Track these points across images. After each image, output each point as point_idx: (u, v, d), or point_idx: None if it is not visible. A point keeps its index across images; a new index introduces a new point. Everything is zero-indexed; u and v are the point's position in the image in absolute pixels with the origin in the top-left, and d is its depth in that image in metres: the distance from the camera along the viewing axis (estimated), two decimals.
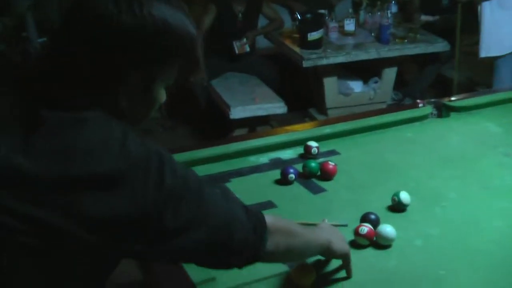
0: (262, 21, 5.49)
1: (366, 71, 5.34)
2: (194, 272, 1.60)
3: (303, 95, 5.58)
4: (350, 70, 5.38)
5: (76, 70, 1.14)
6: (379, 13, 5.28)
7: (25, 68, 1.18)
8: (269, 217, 1.40)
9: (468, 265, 1.75)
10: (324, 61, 4.86)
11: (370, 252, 1.82)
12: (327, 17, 5.26)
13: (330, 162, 2.30)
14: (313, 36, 4.88)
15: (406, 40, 5.12)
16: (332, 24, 5.25)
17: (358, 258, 1.76)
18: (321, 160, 2.38)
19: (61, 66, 1.15)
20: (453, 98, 2.95)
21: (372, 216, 1.91)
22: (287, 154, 2.49)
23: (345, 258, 1.66)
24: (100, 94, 1.16)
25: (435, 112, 2.80)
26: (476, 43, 5.06)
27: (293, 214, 1.97)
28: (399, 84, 5.69)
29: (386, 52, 5.01)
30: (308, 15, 5.00)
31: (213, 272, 1.60)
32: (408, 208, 2.04)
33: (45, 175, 1.04)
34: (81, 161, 1.06)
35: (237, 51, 5.25)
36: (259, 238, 1.33)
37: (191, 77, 5.16)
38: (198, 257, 1.29)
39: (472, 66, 5.49)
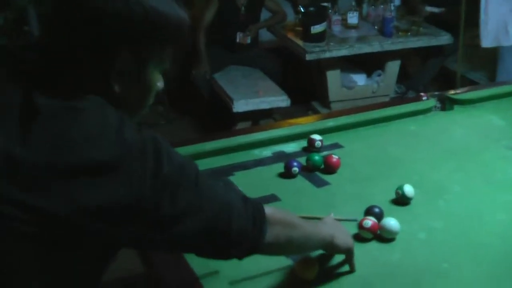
0: (265, 14, 5.48)
1: (369, 64, 5.33)
2: (197, 265, 1.61)
3: (306, 88, 5.57)
4: (353, 63, 5.36)
5: (67, 55, 1.15)
6: (382, 6, 5.26)
7: (21, 57, 1.18)
8: (269, 209, 1.40)
9: (472, 258, 1.75)
10: (327, 54, 4.85)
11: (374, 245, 1.82)
12: (330, 10, 5.25)
13: (333, 155, 2.29)
14: (316, 29, 4.87)
15: (409, 33, 5.10)
16: (335, 17, 5.24)
17: (362, 251, 1.76)
18: (324, 153, 2.37)
19: (53, 52, 1.15)
20: (456, 91, 2.95)
21: (376, 210, 1.91)
22: (291, 147, 2.49)
23: (348, 253, 1.66)
24: (94, 79, 1.16)
25: (438, 105, 2.80)
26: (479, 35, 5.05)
27: (297, 207, 1.96)
28: (403, 77, 5.68)
29: (389, 45, 5.00)
30: (311, 8, 4.99)
31: (216, 265, 1.61)
32: (412, 201, 2.04)
33: (42, 164, 1.05)
34: (78, 149, 1.06)
35: (238, 40, 5.24)
36: (259, 228, 1.33)
37: (194, 70, 5.17)
38: (196, 246, 1.29)
39: (475, 58, 5.47)
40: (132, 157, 1.10)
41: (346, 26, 5.28)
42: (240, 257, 1.37)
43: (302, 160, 2.32)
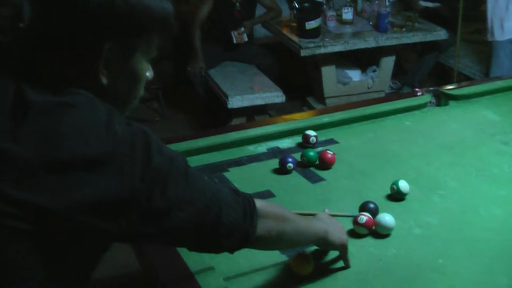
0: (259, 10, 5.47)
1: (364, 60, 5.33)
2: (192, 261, 1.60)
3: (301, 84, 5.57)
4: (348, 59, 5.37)
5: (53, 48, 1.15)
6: (377, 1, 5.26)
7: (10, 52, 1.18)
8: (260, 202, 1.40)
9: (467, 253, 1.75)
10: (322, 50, 4.85)
11: (369, 241, 1.82)
12: (324, 6, 5.25)
13: (328, 151, 2.29)
14: (311, 25, 4.87)
15: (404, 29, 5.10)
16: (330, 13, 5.23)
17: (357, 247, 1.76)
18: (319, 149, 2.37)
19: (39, 46, 1.16)
20: (451, 87, 2.95)
21: (371, 205, 1.91)
22: (285, 143, 2.49)
23: (342, 249, 1.66)
24: (82, 73, 1.17)
25: (433, 100, 2.80)
26: (475, 31, 5.07)
27: (292, 203, 1.96)
28: (398, 72, 5.69)
29: (384, 40, 5.00)
30: (306, 4, 4.97)
31: (211, 262, 1.60)
32: (407, 197, 2.04)
33: (34, 159, 1.04)
34: (68, 144, 1.06)
35: (235, 41, 5.23)
36: (249, 220, 1.33)
37: (189, 66, 5.16)
38: (187, 238, 1.29)
39: (470, 54, 5.47)
40: (123, 150, 1.10)
41: (341, 22, 5.28)
42: (231, 249, 1.37)
43: (297, 156, 2.32)
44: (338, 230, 1.65)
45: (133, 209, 1.12)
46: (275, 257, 1.71)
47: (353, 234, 1.83)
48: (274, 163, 2.29)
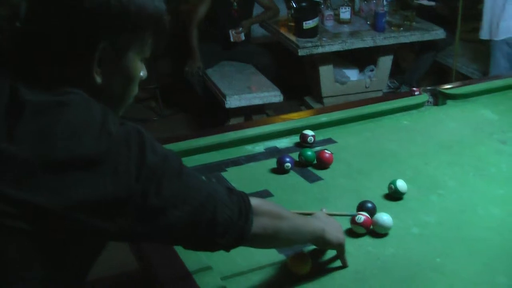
0: (257, 9, 5.47)
1: (362, 59, 5.34)
2: (190, 261, 1.60)
3: (299, 84, 5.57)
4: (346, 59, 5.37)
5: (47, 47, 1.15)
6: (374, 1, 5.26)
7: (7, 51, 1.18)
8: (256, 200, 1.40)
9: (465, 252, 1.75)
10: (320, 50, 4.85)
11: (367, 240, 1.82)
12: (322, 5, 5.25)
13: (326, 151, 2.29)
14: (308, 24, 4.87)
15: (402, 28, 5.11)
16: (328, 12, 5.24)
17: (355, 246, 1.76)
18: (317, 148, 2.37)
19: (33, 44, 1.16)
20: (449, 86, 2.95)
21: (369, 205, 1.91)
22: (283, 142, 2.49)
23: (339, 248, 1.66)
24: (75, 72, 1.17)
25: (431, 99, 2.79)
26: (473, 29, 5.06)
27: (290, 203, 1.96)
28: (396, 72, 5.69)
29: (382, 40, 5.00)
30: (304, 4, 4.97)
31: (209, 261, 1.60)
32: (405, 196, 2.04)
33: (29, 159, 1.05)
34: (63, 144, 1.07)
35: (232, 39, 5.23)
36: (244, 218, 1.33)
37: (187, 66, 5.16)
38: (182, 237, 1.29)
39: (467, 53, 5.48)
40: (118, 150, 1.11)
41: (339, 21, 5.29)
42: (227, 247, 1.37)
43: (295, 155, 2.31)
44: (335, 229, 1.65)
45: (129, 208, 1.12)
46: (273, 256, 1.70)
47: (351, 233, 1.83)
48: (272, 162, 2.29)
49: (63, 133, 1.07)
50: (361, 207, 1.91)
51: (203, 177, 1.33)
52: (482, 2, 4.68)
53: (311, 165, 2.28)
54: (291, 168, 2.24)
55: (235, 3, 5.22)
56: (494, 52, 4.66)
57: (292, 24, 5.09)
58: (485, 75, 4.81)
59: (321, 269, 1.68)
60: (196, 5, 5.27)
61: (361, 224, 1.82)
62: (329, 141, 2.49)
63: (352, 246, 1.73)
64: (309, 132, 2.44)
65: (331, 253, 1.71)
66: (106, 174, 1.08)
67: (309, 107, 5.25)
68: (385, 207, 1.95)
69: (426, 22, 5.27)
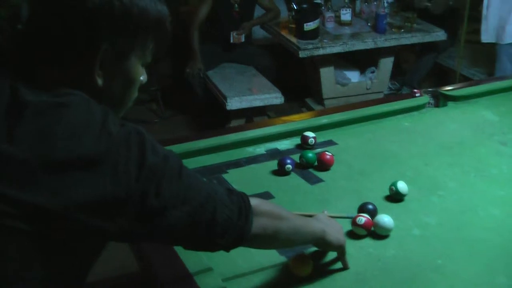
0: (258, 11, 5.47)
1: (363, 61, 5.33)
2: (191, 262, 1.60)
3: (300, 86, 5.57)
4: (347, 60, 5.37)
5: (49, 49, 1.16)
6: (375, 2, 5.25)
7: (9, 52, 1.19)
8: (256, 200, 1.40)
9: (466, 253, 1.75)
10: (321, 51, 4.85)
11: (368, 242, 1.82)
12: (323, 7, 5.25)
13: (327, 153, 2.29)
14: (309, 26, 4.87)
15: (402, 30, 5.10)
16: (328, 14, 5.23)
17: (356, 247, 1.76)
18: (318, 150, 2.37)
19: (34, 46, 1.16)
20: (450, 87, 2.95)
21: (370, 206, 1.91)
22: (284, 144, 2.49)
23: (340, 250, 1.66)
24: (77, 73, 1.18)
25: (432, 101, 2.80)
26: (473, 31, 5.06)
27: (291, 204, 1.96)
28: (397, 73, 5.68)
29: (383, 41, 5.00)
30: (305, 5, 4.97)
31: (209, 262, 1.60)
32: (406, 197, 2.04)
33: (29, 159, 1.05)
34: (63, 144, 1.07)
35: (232, 41, 5.23)
36: (244, 218, 1.33)
37: (188, 68, 5.16)
38: (182, 237, 1.29)
39: (469, 54, 5.48)
40: (118, 150, 1.11)
41: (339, 23, 5.28)
42: (226, 248, 1.37)
43: (296, 157, 2.31)
44: (336, 230, 1.65)
45: (129, 208, 1.12)
46: (274, 258, 1.71)
47: (352, 235, 1.83)
48: (273, 164, 2.29)
49: (63, 133, 1.08)
50: (362, 208, 1.91)
51: (204, 178, 1.33)
52: (482, 4, 4.68)
53: (312, 166, 2.28)
54: (292, 170, 2.24)
55: (236, 5, 5.23)
56: (500, 55, 4.65)
57: (293, 26, 5.08)
58: (489, 76, 4.82)
59: (322, 271, 1.68)
60: (196, 6, 5.28)
61: (362, 226, 1.82)
62: (330, 142, 2.49)
63: (353, 248, 1.73)
64: (310, 134, 2.44)
65: (332, 254, 1.72)
66: (106, 174, 1.09)
67: (310, 108, 5.25)
68: (386, 209, 1.95)
69: (427, 23, 5.26)
